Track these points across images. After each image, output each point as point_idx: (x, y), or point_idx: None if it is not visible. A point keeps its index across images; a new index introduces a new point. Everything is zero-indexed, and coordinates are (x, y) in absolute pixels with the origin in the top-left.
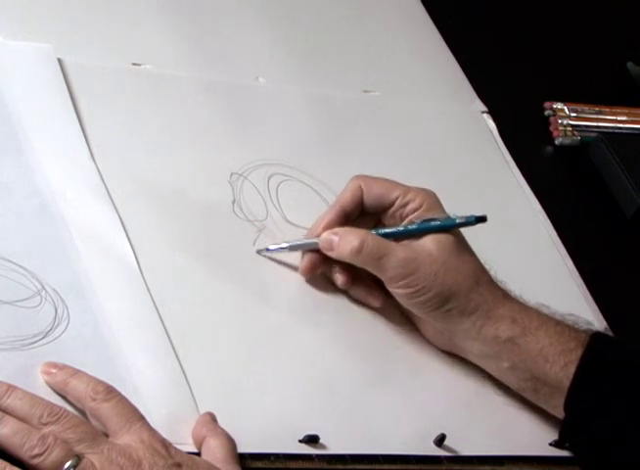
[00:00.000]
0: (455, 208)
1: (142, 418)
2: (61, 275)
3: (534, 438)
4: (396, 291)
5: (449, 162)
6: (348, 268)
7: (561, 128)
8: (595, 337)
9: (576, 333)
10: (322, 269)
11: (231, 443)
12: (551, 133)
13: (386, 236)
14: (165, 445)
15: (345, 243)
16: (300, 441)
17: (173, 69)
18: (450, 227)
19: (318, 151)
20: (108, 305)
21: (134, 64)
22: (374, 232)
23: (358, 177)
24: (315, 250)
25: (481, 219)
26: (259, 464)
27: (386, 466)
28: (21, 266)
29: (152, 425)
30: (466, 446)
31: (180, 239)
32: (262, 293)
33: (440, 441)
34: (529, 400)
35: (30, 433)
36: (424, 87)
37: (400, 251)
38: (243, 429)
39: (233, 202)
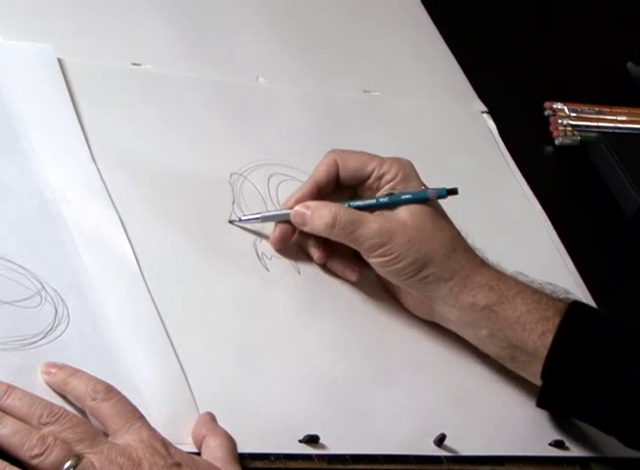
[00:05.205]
0: (455, 207)
1: (142, 418)
2: (61, 275)
3: (534, 438)
4: (373, 261)
5: (449, 162)
6: (324, 242)
7: (561, 128)
8: (572, 306)
9: (554, 302)
10: (297, 240)
11: (231, 442)
12: (551, 133)
13: (359, 208)
14: (165, 444)
15: (318, 217)
16: (300, 441)
17: (173, 69)
18: (422, 200)
19: (318, 151)
20: (108, 305)
21: (134, 64)
22: (347, 205)
23: (334, 151)
24: (287, 221)
25: (452, 192)
26: (259, 464)
27: (386, 466)
28: (21, 266)
29: (152, 425)
30: (466, 446)
31: (180, 239)
32: (263, 293)
33: (440, 441)
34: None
35: (30, 433)
36: (424, 87)
37: (374, 221)
38: (243, 429)
39: (233, 202)
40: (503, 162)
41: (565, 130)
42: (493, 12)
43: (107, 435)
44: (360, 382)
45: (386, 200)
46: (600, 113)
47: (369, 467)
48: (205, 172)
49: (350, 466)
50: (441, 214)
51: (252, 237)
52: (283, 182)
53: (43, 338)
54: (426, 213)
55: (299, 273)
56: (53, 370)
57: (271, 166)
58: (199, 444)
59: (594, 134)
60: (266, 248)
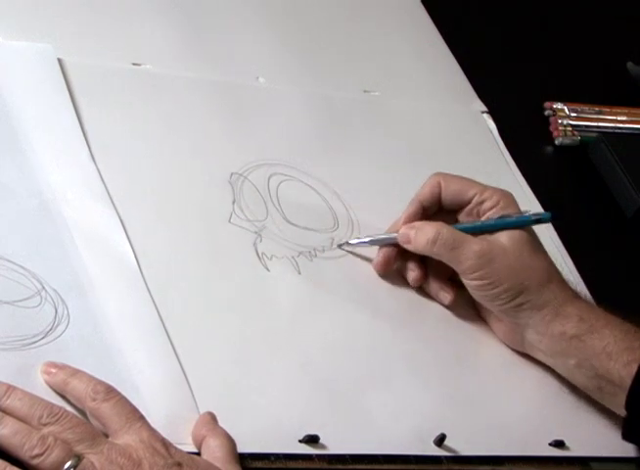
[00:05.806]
0: None
1: (142, 418)
2: (61, 275)
3: (534, 438)
4: (470, 283)
5: (449, 162)
6: (421, 266)
7: (561, 128)
8: None
9: None
10: (397, 266)
11: (231, 442)
12: (551, 133)
13: (463, 230)
14: (165, 444)
15: (421, 234)
16: (300, 441)
17: (173, 69)
18: (525, 223)
19: (318, 151)
20: (108, 305)
21: (134, 64)
22: (451, 226)
23: (438, 174)
24: (391, 245)
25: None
26: (259, 464)
27: (386, 466)
28: (21, 266)
29: (152, 425)
30: (466, 446)
31: (180, 239)
32: (262, 293)
33: (440, 441)
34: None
35: (30, 433)
36: (424, 87)
37: (475, 243)
38: (243, 429)
39: (233, 202)
40: (503, 162)
41: (565, 130)
42: (493, 12)
43: (107, 435)
44: (360, 382)
45: (490, 222)
46: (600, 113)
47: (369, 467)
48: (206, 172)
49: (350, 466)
50: (538, 244)
51: (253, 237)
52: (283, 182)
53: (43, 338)
54: (524, 240)
55: (300, 273)
56: (53, 370)
57: (271, 166)
58: (199, 444)
59: (594, 134)
60: (266, 248)
